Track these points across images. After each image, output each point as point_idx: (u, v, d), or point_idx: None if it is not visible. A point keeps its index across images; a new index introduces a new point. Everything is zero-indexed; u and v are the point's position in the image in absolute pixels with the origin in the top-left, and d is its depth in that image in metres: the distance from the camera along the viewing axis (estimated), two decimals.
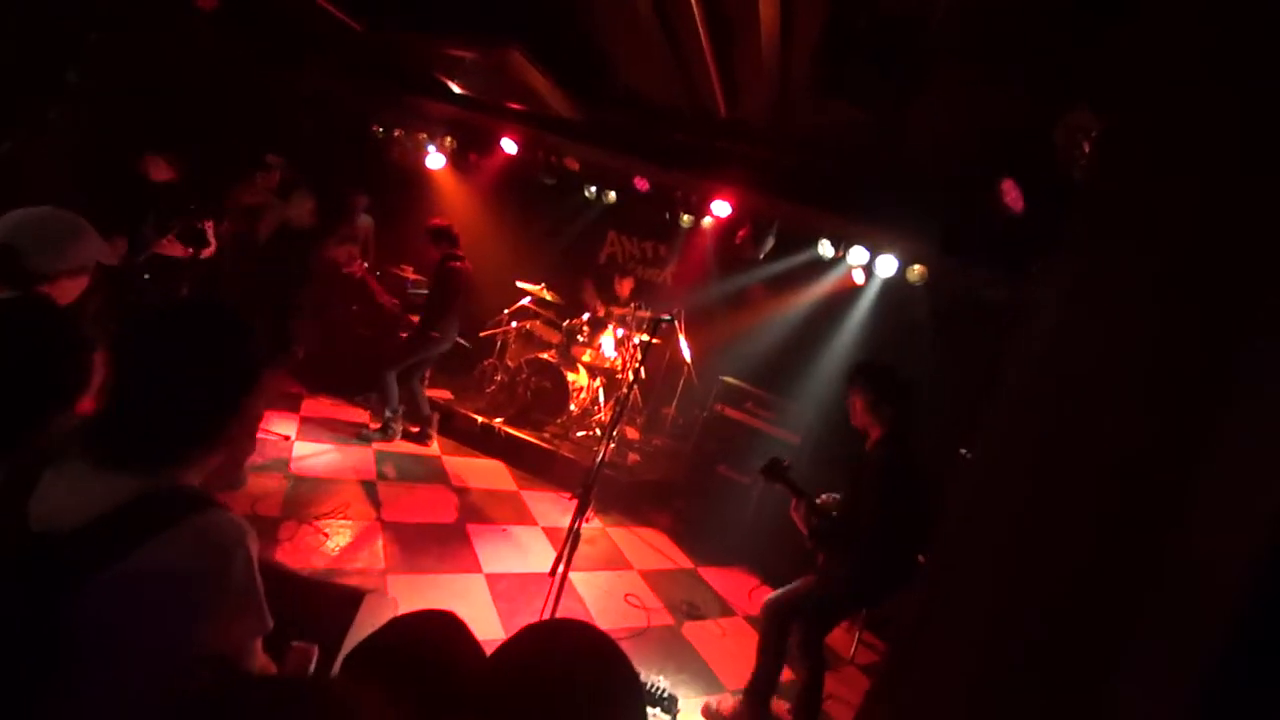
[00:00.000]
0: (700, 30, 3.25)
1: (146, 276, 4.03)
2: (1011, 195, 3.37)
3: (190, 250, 3.90)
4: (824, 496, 3.02)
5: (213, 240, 4.20)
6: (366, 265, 5.75)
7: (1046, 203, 3.35)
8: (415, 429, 5.24)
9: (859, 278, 5.67)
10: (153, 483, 0.91)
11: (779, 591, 2.98)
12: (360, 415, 5.39)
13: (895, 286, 5.56)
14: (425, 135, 6.63)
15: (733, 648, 3.79)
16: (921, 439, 2.82)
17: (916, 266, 5.21)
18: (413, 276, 6.14)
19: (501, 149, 6.27)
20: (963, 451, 4.07)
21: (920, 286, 5.30)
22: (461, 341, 5.49)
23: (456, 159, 6.78)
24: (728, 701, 3.04)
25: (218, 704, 0.65)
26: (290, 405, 5.04)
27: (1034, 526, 1.53)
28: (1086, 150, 2.63)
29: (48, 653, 0.80)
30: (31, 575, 0.82)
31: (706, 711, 2.99)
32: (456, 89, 5.65)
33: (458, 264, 5.02)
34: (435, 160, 6.80)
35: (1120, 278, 1.43)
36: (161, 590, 0.85)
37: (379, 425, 5.06)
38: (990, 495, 1.73)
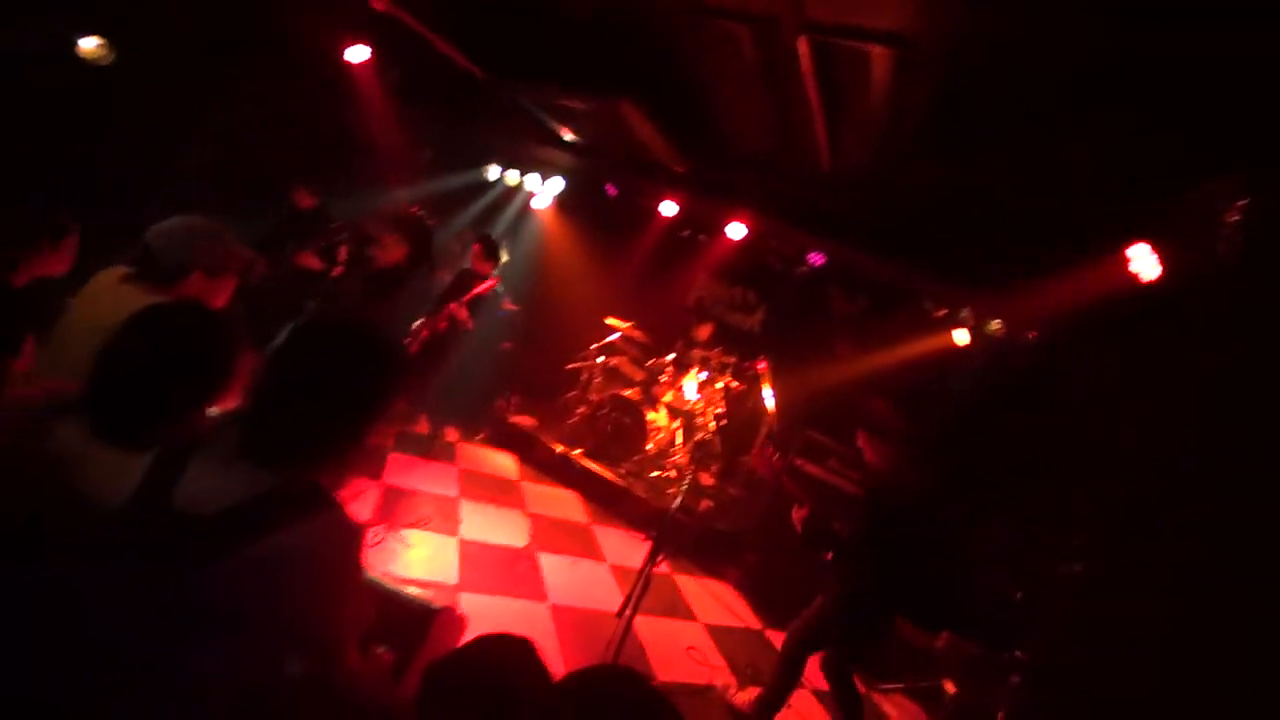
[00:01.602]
0: (809, 84, 3.28)
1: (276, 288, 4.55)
2: (1142, 262, 3.11)
3: (324, 265, 4.38)
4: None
5: (341, 262, 4.70)
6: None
7: (1175, 271, 3.07)
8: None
9: (963, 339, 5.37)
10: (287, 479, 1.00)
11: (798, 620, 3.14)
12: (447, 432, 5.64)
13: (1001, 350, 5.21)
14: (536, 176, 7.06)
15: None
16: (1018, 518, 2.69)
17: (1029, 333, 4.88)
18: (510, 307, 6.45)
19: (606, 193, 6.56)
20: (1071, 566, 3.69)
21: (1030, 352, 4.94)
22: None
23: (562, 200, 7.15)
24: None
25: None
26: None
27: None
28: (1231, 220, 2.39)
29: (185, 623, 0.89)
30: (173, 551, 0.92)
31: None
32: (568, 135, 6.00)
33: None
34: (541, 200, 7.20)
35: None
36: (286, 574, 0.93)
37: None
38: (1099, 614, 1.56)
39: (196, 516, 0.94)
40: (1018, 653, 3.87)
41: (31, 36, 4.18)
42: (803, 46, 2.98)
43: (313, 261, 4.62)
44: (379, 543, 3.48)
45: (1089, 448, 3.81)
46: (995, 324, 5.07)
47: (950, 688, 3.99)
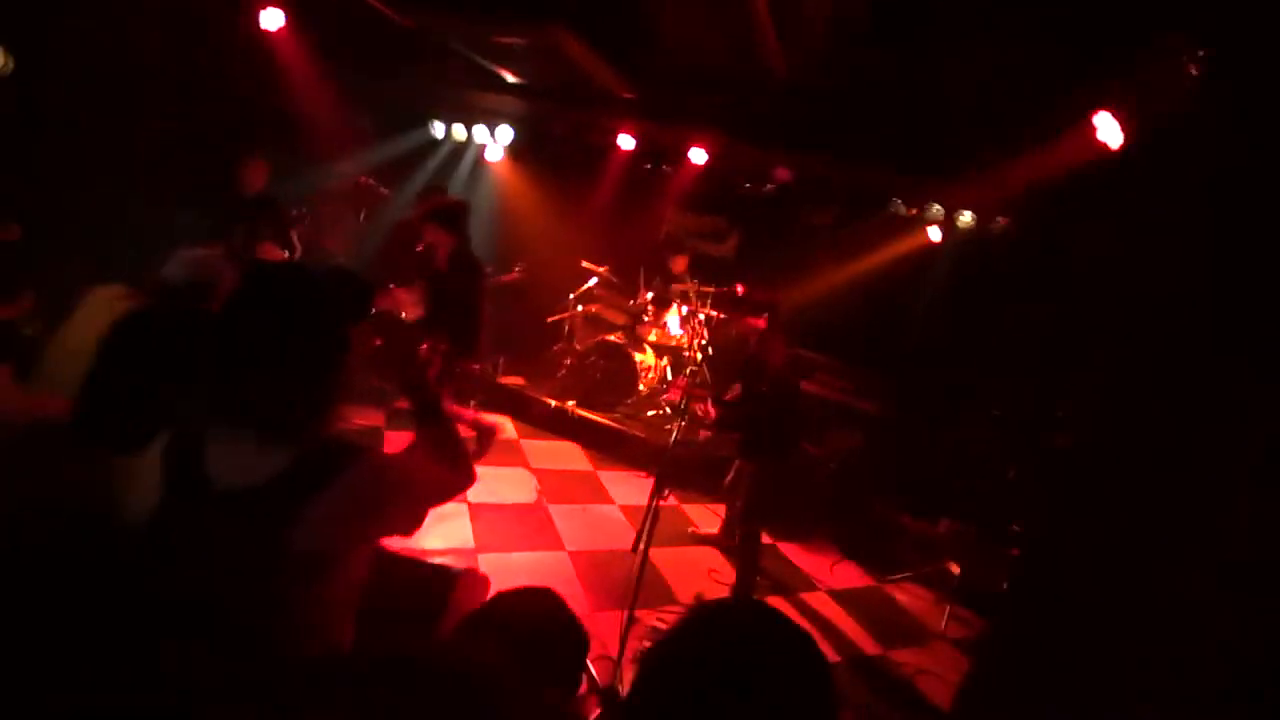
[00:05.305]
0: None
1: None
2: (1107, 130, 3.08)
3: (286, 253, 4.18)
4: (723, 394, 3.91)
5: (297, 246, 4.53)
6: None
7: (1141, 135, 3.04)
8: None
9: (935, 235, 5.37)
10: (309, 442, 1.05)
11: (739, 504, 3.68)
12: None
13: (972, 244, 5.23)
14: (483, 128, 6.76)
15: (821, 622, 3.76)
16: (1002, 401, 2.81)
17: (999, 219, 4.89)
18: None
19: (558, 134, 6.32)
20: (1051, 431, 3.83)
21: (1000, 242, 4.96)
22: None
23: (515, 149, 6.89)
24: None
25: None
26: (379, 400, 5.32)
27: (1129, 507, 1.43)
28: (1192, 73, 2.35)
29: (263, 581, 0.99)
30: (233, 525, 0.99)
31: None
32: (510, 77, 5.71)
33: None
34: (493, 151, 6.93)
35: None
36: (347, 519, 1.04)
37: None
38: (1089, 479, 1.63)
39: (241, 491, 0.99)
40: (1015, 527, 4.08)
41: None
42: None
43: (275, 252, 4.33)
44: None
45: (1070, 326, 3.89)
46: (966, 216, 5.06)
47: (954, 568, 4.21)
